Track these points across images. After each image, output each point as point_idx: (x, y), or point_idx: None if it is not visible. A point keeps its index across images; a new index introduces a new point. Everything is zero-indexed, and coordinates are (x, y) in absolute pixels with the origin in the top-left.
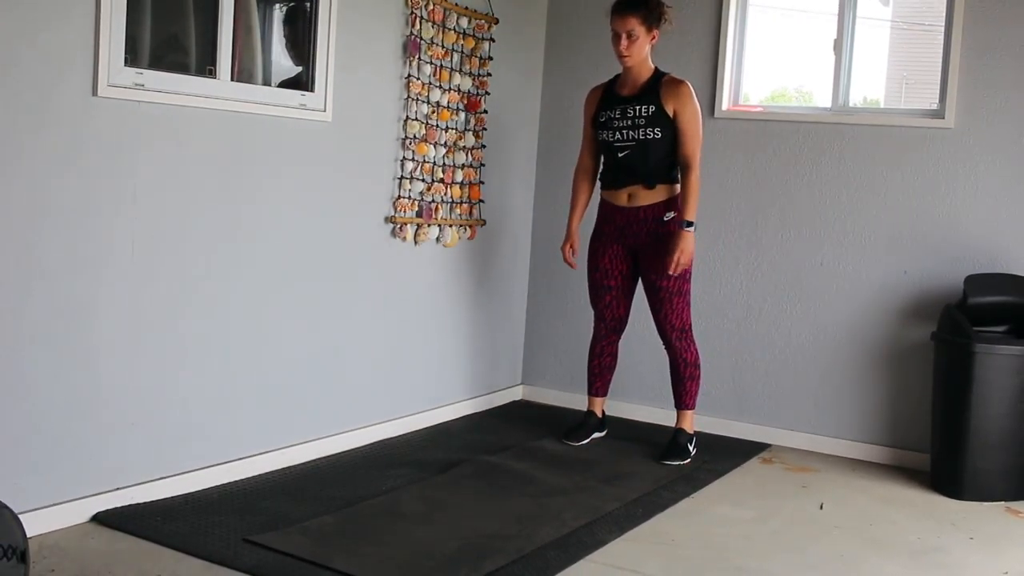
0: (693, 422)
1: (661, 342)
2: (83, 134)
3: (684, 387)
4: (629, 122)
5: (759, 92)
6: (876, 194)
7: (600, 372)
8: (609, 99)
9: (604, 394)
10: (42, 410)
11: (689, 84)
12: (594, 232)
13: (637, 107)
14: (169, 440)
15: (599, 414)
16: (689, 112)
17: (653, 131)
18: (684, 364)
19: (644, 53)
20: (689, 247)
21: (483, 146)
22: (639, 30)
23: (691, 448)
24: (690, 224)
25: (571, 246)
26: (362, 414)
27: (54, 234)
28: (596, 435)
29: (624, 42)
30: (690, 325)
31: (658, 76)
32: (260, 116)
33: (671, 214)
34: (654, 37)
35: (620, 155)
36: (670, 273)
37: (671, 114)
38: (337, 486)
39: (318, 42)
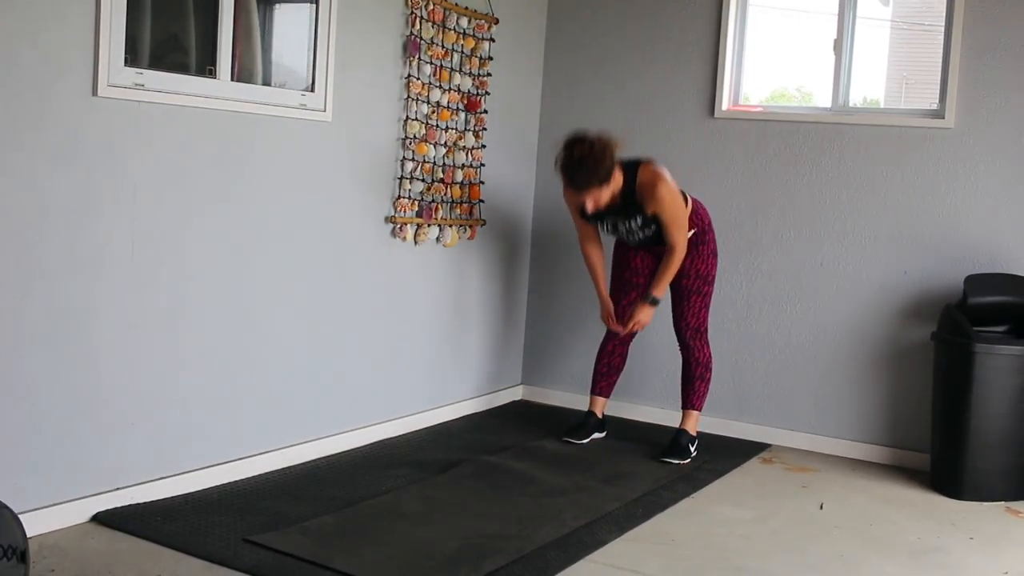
0: (697, 424)
1: (672, 343)
2: (83, 134)
3: (693, 387)
4: (626, 228)
5: (759, 92)
6: (876, 194)
7: (607, 372)
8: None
9: (607, 395)
10: (42, 410)
11: (660, 174)
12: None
13: (627, 220)
14: (169, 440)
15: (599, 415)
16: (667, 209)
17: (651, 227)
18: (696, 364)
19: (610, 195)
20: (645, 319)
21: (483, 146)
22: (598, 191)
23: (692, 449)
24: (655, 301)
25: (610, 314)
26: (362, 414)
27: (54, 234)
28: (596, 435)
29: (589, 204)
30: (706, 327)
31: (631, 181)
32: (260, 116)
33: (692, 230)
34: (614, 179)
35: (633, 244)
36: (624, 328)
37: (654, 214)
38: (337, 486)
39: (318, 42)
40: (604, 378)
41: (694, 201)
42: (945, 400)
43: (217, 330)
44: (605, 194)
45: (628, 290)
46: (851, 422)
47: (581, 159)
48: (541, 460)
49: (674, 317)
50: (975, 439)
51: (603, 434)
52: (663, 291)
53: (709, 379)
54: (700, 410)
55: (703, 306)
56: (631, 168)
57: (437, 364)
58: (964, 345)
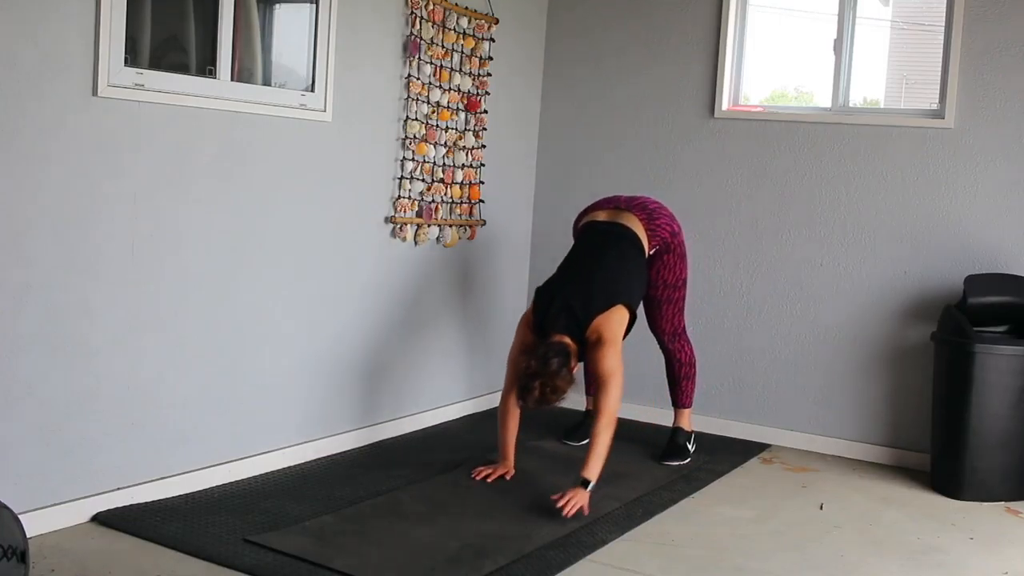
0: (691, 420)
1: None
2: (83, 134)
3: (680, 387)
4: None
5: (759, 92)
6: (876, 194)
7: None
8: None
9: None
10: (41, 410)
11: (611, 339)
12: None
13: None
14: (169, 440)
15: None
16: (605, 347)
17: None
18: (679, 364)
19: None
20: (580, 501)
21: (483, 146)
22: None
23: (690, 446)
24: (587, 484)
25: (504, 475)
26: (362, 414)
27: (53, 234)
28: None
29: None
30: (683, 328)
31: (580, 340)
32: (260, 116)
33: (655, 248)
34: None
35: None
36: (562, 506)
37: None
38: (337, 486)
39: (318, 42)
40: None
41: (656, 211)
42: (945, 400)
43: (217, 330)
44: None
45: None
46: (851, 422)
47: (538, 403)
48: (541, 460)
49: (649, 323)
50: (975, 439)
51: None
52: (597, 472)
53: (695, 375)
54: (691, 406)
55: (677, 311)
56: (578, 330)
57: (437, 364)
58: (964, 345)
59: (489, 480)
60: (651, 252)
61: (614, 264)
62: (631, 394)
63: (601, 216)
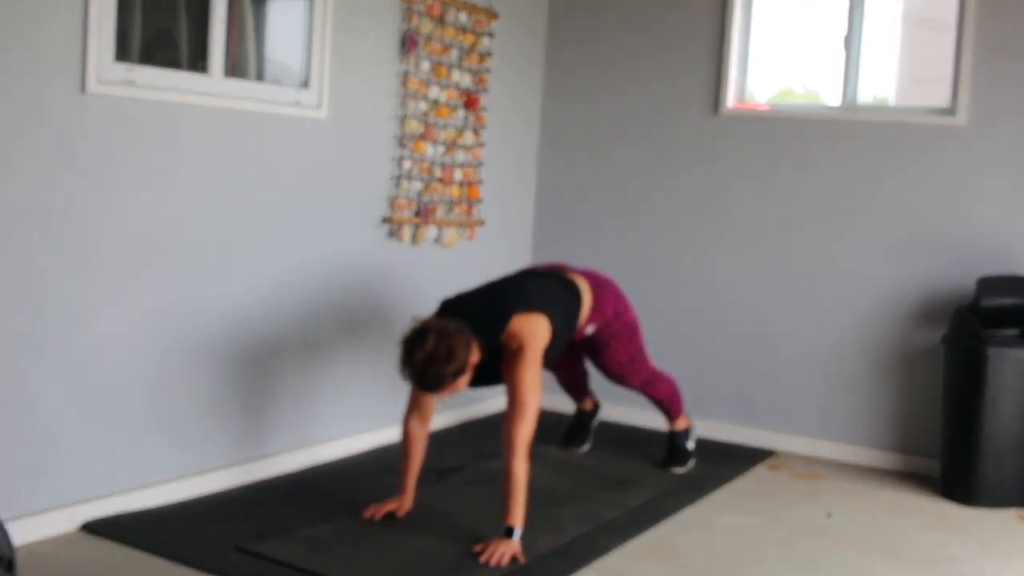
0: (686, 420)
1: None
2: (72, 132)
3: (669, 410)
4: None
5: (766, 90)
6: (885, 194)
7: (574, 388)
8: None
9: (585, 398)
10: (31, 415)
11: (531, 338)
12: None
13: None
14: (160, 446)
15: (587, 408)
16: (526, 352)
17: None
18: (663, 398)
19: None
20: (508, 551)
21: (482, 144)
22: (454, 385)
23: (689, 445)
24: (511, 532)
25: (398, 511)
26: (360, 419)
27: (44, 234)
28: (594, 422)
29: (446, 396)
30: (652, 371)
31: (492, 342)
32: (253, 113)
33: (594, 325)
34: (470, 364)
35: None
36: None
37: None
38: (334, 493)
39: (313, 37)
40: (574, 392)
41: (598, 287)
42: (956, 405)
43: (210, 332)
44: (463, 381)
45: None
46: (859, 427)
47: (426, 363)
48: (541, 466)
49: (622, 385)
50: (987, 444)
51: (596, 420)
52: (520, 516)
53: (678, 394)
54: (682, 414)
55: (640, 366)
56: (491, 331)
57: None
58: (976, 348)
59: (376, 517)
60: (592, 328)
61: (533, 285)
62: (633, 400)
63: (541, 266)
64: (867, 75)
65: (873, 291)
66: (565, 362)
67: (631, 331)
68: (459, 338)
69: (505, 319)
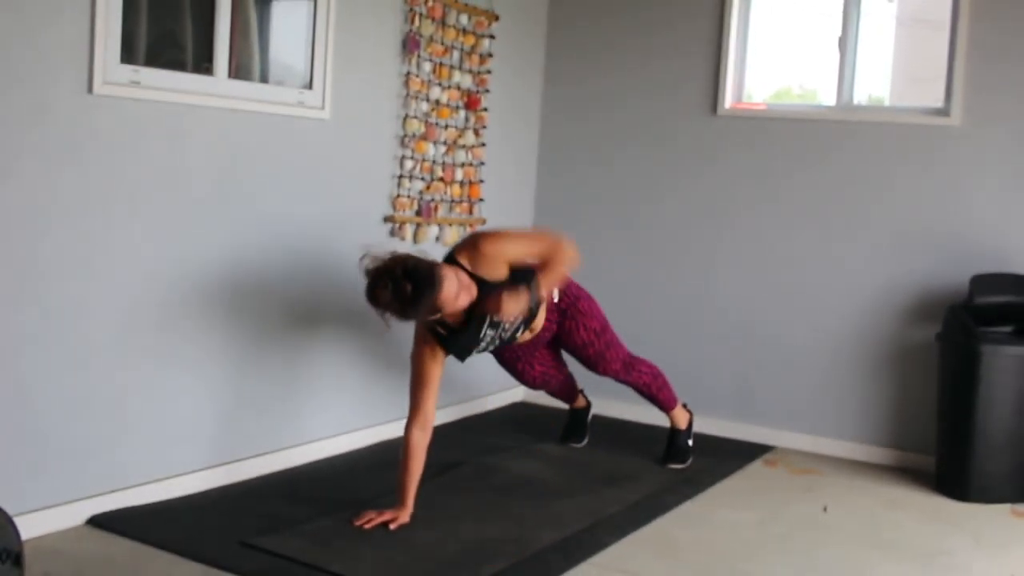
0: (684, 417)
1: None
2: (78, 132)
3: (657, 399)
4: (498, 339)
5: (763, 90)
6: (880, 193)
7: (563, 392)
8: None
9: (576, 397)
10: (37, 411)
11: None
12: None
13: (496, 334)
14: (166, 442)
15: (581, 405)
16: (511, 244)
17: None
18: (645, 386)
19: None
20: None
21: (483, 144)
22: (444, 300)
23: (689, 443)
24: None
25: (397, 521)
26: (361, 416)
27: (49, 233)
28: (588, 418)
29: (447, 311)
30: (629, 355)
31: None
32: (257, 114)
33: (556, 294)
34: (449, 280)
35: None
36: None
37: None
38: (336, 489)
39: (316, 38)
40: (564, 395)
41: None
42: (950, 401)
43: (214, 331)
44: (461, 298)
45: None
46: (855, 423)
47: (399, 295)
48: (541, 462)
49: (602, 373)
50: (981, 441)
51: (590, 415)
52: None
53: (664, 380)
54: (677, 404)
55: (614, 348)
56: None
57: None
58: (970, 346)
59: (368, 527)
60: (557, 294)
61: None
62: (630, 395)
63: None
64: (863, 75)
65: (869, 288)
66: (550, 371)
67: (586, 311)
68: (408, 261)
69: (452, 253)
